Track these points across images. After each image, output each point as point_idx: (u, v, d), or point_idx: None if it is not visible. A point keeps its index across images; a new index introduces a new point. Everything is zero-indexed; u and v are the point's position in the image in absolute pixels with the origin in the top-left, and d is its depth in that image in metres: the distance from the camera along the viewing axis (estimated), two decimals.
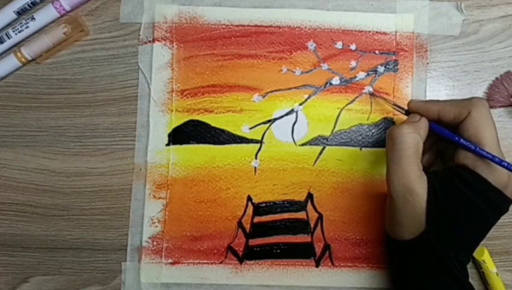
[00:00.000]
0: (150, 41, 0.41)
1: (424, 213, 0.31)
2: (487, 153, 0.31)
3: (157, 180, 0.40)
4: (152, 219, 0.40)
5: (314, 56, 0.41)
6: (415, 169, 0.32)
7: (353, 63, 0.41)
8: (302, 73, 0.41)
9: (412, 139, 0.32)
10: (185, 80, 0.41)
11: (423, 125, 0.34)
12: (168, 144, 0.40)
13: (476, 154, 0.31)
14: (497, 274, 0.39)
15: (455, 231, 0.31)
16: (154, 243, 0.40)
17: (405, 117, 0.37)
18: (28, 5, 0.40)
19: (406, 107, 0.37)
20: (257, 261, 0.40)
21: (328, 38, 0.41)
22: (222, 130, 0.41)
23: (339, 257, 0.40)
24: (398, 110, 0.38)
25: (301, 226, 0.40)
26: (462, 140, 0.32)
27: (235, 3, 0.41)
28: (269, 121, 0.41)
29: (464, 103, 0.33)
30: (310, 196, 0.40)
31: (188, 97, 0.41)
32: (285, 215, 0.40)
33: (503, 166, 0.30)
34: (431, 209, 0.31)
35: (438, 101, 0.35)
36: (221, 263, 0.40)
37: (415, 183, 0.31)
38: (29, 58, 0.40)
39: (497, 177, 0.31)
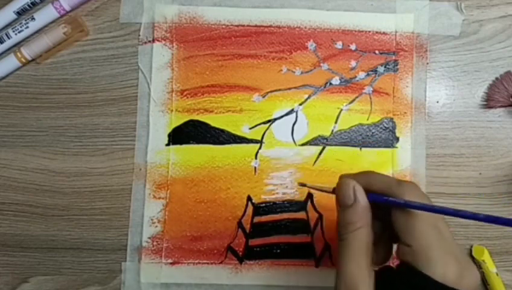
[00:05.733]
0: (149, 41, 0.41)
1: None
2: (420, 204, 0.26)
3: (157, 180, 0.40)
4: (152, 219, 0.40)
5: (314, 56, 0.41)
6: (363, 269, 0.27)
7: (353, 63, 0.41)
8: (302, 73, 0.41)
9: (361, 236, 0.28)
10: (185, 80, 0.41)
11: (361, 209, 0.28)
12: (168, 144, 0.40)
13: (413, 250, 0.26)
14: (497, 274, 0.39)
15: None
16: (154, 243, 0.40)
17: None
18: (28, 5, 0.40)
19: (331, 187, 0.31)
20: (257, 261, 0.40)
21: (328, 38, 0.41)
22: (222, 130, 0.41)
23: None
24: (324, 192, 0.32)
25: (301, 226, 0.40)
26: (398, 201, 0.27)
27: (235, 3, 0.41)
28: (269, 121, 0.41)
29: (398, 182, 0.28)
30: (309, 196, 0.40)
31: (188, 97, 0.41)
32: (285, 215, 0.40)
33: (435, 211, 0.26)
34: None
35: (367, 172, 0.30)
36: (221, 263, 0.40)
37: (361, 286, 0.27)
38: (29, 58, 0.40)
39: (443, 271, 0.25)
